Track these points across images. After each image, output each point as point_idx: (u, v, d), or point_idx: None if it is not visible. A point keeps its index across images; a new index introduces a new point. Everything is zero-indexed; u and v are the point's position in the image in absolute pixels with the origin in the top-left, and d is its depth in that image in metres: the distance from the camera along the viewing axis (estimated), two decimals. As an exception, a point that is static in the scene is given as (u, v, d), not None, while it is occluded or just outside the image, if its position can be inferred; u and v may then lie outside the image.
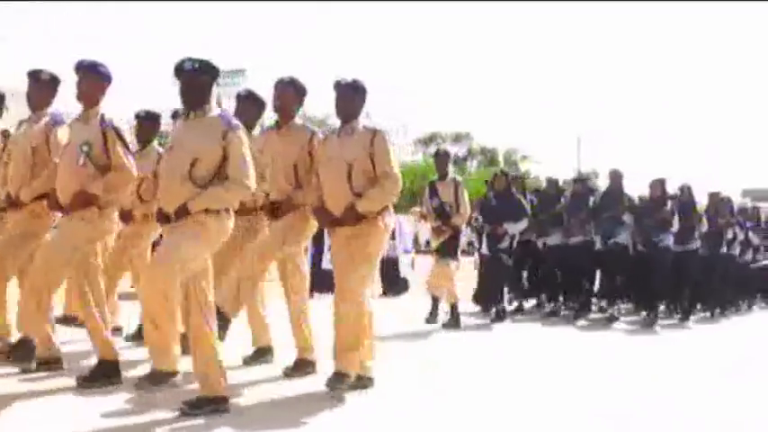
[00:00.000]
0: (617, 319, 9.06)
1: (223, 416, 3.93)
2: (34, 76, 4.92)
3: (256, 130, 5.35)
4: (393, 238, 12.18)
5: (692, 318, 9.62)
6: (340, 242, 4.58)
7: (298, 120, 5.02)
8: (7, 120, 5.45)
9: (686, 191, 9.62)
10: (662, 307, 9.55)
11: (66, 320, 5.79)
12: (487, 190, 9.19)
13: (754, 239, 11.55)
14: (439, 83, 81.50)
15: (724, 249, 10.38)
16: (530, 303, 9.92)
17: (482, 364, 6.02)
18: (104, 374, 4.45)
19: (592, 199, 9.38)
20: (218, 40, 62.83)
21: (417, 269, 12.60)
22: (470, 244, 13.62)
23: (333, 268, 4.71)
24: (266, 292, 5.48)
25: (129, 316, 6.14)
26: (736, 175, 72.73)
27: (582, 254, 9.13)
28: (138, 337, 5.54)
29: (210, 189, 3.91)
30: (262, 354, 5.36)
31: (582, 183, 10.00)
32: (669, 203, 9.04)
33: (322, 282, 9.07)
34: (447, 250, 7.75)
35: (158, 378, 4.25)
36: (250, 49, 71.44)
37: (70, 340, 5.49)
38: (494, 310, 8.53)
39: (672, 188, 9.67)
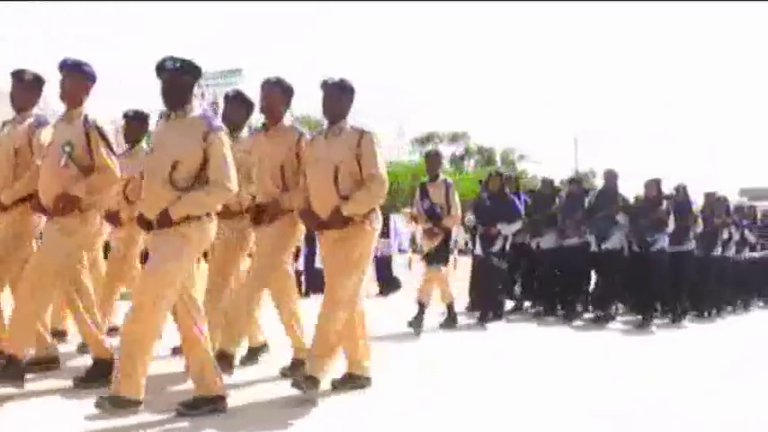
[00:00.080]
0: (613, 318, 9.01)
1: (220, 416, 3.94)
2: (18, 76, 4.85)
3: (245, 132, 5.28)
4: (387, 236, 12.17)
5: (686, 318, 9.56)
6: (328, 245, 4.53)
7: (286, 120, 4.94)
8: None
9: (682, 191, 9.59)
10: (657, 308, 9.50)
11: (56, 334, 5.73)
12: (481, 190, 9.12)
13: (751, 237, 11.52)
14: (436, 83, 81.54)
15: (719, 250, 10.33)
16: (525, 305, 9.86)
17: (479, 364, 5.98)
18: (101, 374, 4.38)
19: (587, 200, 9.32)
20: (214, 39, 62.89)
21: (414, 269, 12.55)
22: (467, 244, 13.61)
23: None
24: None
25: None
26: (733, 175, 72.81)
27: (577, 256, 9.07)
28: None
29: (191, 193, 3.82)
30: (255, 353, 5.37)
31: (577, 183, 9.93)
32: (664, 203, 8.99)
33: (316, 282, 9.05)
34: (437, 256, 7.60)
35: (120, 403, 3.86)
36: (247, 48, 71.40)
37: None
38: (489, 314, 8.44)
39: (669, 188, 9.65)
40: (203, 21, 77.12)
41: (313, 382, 4.34)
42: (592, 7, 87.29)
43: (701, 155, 73.07)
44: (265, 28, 79.43)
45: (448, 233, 7.72)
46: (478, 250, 8.57)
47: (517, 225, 8.54)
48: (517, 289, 9.85)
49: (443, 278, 7.73)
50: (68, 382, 4.50)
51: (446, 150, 47.78)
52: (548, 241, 9.33)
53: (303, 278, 11.16)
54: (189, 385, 4.20)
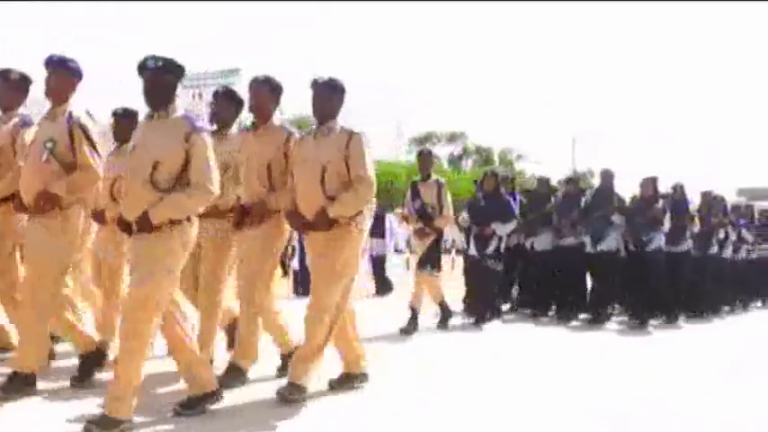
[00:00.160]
0: (608, 319, 8.96)
1: (218, 417, 3.96)
2: (4, 75, 4.79)
3: (234, 129, 5.21)
4: (382, 236, 12.13)
5: (682, 318, 9.51)
6: (314, 247, 4.46)
7: (276, 120, 4.85)
8: None
9: (679, 190, 9.53)
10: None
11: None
12: (476, 190, 9.04)
13: (748, 237, 11.47)
14: (434, 82, 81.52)
15: (715, 249, 10.27)
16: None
17: (475, 365, 5.95)
18: (91, 366, 4.36)
19: (583, 199, 9.26)
20: (213, 39, 62.78)
21: (412, 269, 12.46)
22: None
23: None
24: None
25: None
26: (731, 175, 72.90)
27: (573, 256, 9.00)
28: None
29: (172, 196, 3.73)
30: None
31: (573, 183, 9.84)
32: (660, 202, 8.92)
33: (308, 282, 8.96)
34: (428, 259, 7.51)
35: (108, 424, 3.76)
36: (245, 48, 71.37)
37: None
38: (486, 317, 8.39)
39: (667, 188, 9.59)
40: (202, 20, 77.09)
41: (297, 388, 4.32)
42: (590, 7, 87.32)
43: (700, 155, 73.23)
44: (264, 27, 79.46)
45: (439, 234, 7.63)
46: (472, 251, 8.50)
47: (512, 225, 8.47)
48: (514, 291, 9.80)
49: (433, 282, 7.63)
50: (67, 382, 4.50)
51: (444, 150, 47.82)
52: (543, 241, 9.27)
53: (298, 277, 11.13)
54: (181, 385, 4.19)
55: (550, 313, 9.39)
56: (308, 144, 4.51)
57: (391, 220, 12.46)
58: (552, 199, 9.63)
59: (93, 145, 4.37)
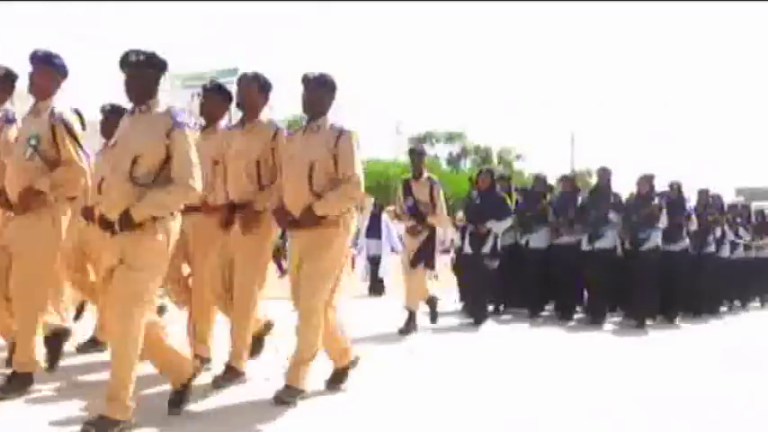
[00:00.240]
0: (605, 317, 8.88)
1: (214, 417, 4.00)
2: None
3: (223, 124, 5.15)
4: (379, 237, 12.07)
5: (679, 317, 9.46)
6: (299, 246, 4.38)
7: (264, 116, 4.78)
8: None
9: (676, 188, 9.47)
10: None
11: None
12: (471, 188, 8.98)
13: (745, 236, 11.42)
14: (433, 82, 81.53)
15: (712, 248, 10.22)
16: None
17: (474, 365, 5.92)
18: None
19: (579, 198, 9.21)
20: (211, 39, 62.78)
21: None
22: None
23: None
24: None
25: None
26: (729, 174, 72.94)
27: (569, 254, 8.94)
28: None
29: (153, 193, 3.66)
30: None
31: (570, 181, 9.76)
32: (656, 199, 8.86)
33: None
34: (420, 257, 7.41)
35: (106, 426, 3.69)
36: (244, 48, 71.32)
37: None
38: (483, 317, 8.34)
39: (665, 186, 9.54)
40: (201, 20, 77.08)
41: (295, 391, 4.31)
42: (589, 7, 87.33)
43: (698, 154, 73.21)
44: (262, 27, 79.41)
45: (432, 231, 7.52)
46: (467, 248, 8.43)
47: (507, 222, 8.41)
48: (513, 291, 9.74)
49: (421, 278, 7.54)
50: (66, 382, 4.48)
51: (443, 150, 47.81)
52: (538, 239, 9.21)
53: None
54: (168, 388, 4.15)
55: (545, 313, 9.34)
56: (296, 141, 4.46)
57: (387, 220, 12.40)
58: (548, 196, 9.57)
59: (77, 140, 4.32)
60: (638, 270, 8.67)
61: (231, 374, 4.67)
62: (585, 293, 9.28)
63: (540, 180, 10.03)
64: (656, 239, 8.74)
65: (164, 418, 3.94)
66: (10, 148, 4.41)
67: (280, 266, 12.87)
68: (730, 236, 10.85)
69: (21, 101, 4.60)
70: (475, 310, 8.39)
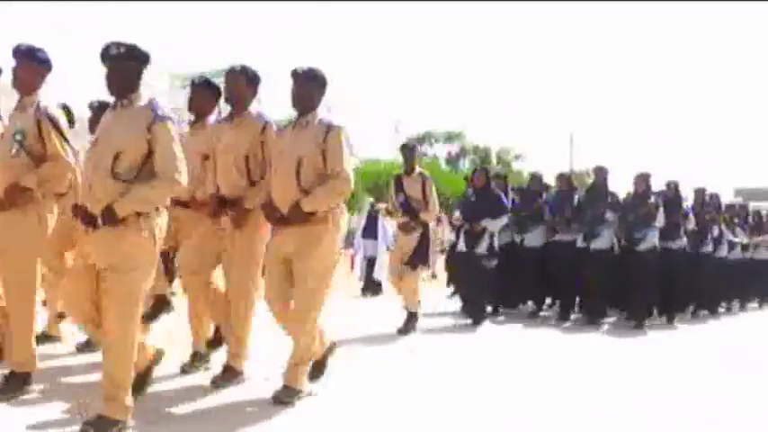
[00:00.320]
0: (603, 317, 8.86)
1: (213, 417, 3.99)
2: None
3: (212, 119, 5.11)
4: (375, 237, 12.05)
5: (678, 318, 9.47)
6: (288, 242, 4.30)
7: (253, 110, 4.71)
8: None
9: (673, 187, 9.42)
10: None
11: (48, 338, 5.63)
12: (467, 187, 8.91)
13: (743, 236, 11.41)
14: (432, 82, 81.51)
15: (710, 247, 10.18)
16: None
17: (473, 365, 5.90)
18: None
19: (576, 196, 9.16)
20: (211, 38, 62.76)
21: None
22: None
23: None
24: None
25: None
26: (728, 174, 72.99)
27: (565, 253, 8.88)
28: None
29: (136, 188, 3.60)
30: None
31: (567, 180, 9.67)
32: (653, 198, 8.80)
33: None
34: (416, 257, 7.31)
35: (106, 424, 3.68)
36: (243, 47, 71.26)
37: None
38: (481, 317, 8.31)
39: (664, 186, 9.52)
40: (201, 19, 77.05)
41: (293, 391, 4.30)
42: (588, 7, 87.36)
43: (698, 154, 73.17)
44: (262, 27, 79.34)
45: (426, 229, 7.43)
46: (461, 246, 8.37)
47: (502, 221, 8.34)
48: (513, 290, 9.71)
49: (414, 280, 7.46)
50: (66, 382, 4.45)
51: (442, 150, 47.74)
52: (533, 238, 9.17)
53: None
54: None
55: (543, 313, 9.30)
56: (286, 136, 4.40)
57: (383, 221, 12.39)
58: (543, 195, 9.53)
59: (63, 135, 4.25)
60: (636, 270, 8.61)
61: (229, 374, 4.66)
62: (583, 294, 9.25)
63: (535, 179, 9.98)
64: (652, 239, 8.69)
65: (162, 418, 3.93)
66: None
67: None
68: (728, 236, 10.83)
69: (6, 96, 4.52)
70: (473, 311, 8.34)
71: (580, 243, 8.83)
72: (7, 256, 4.19)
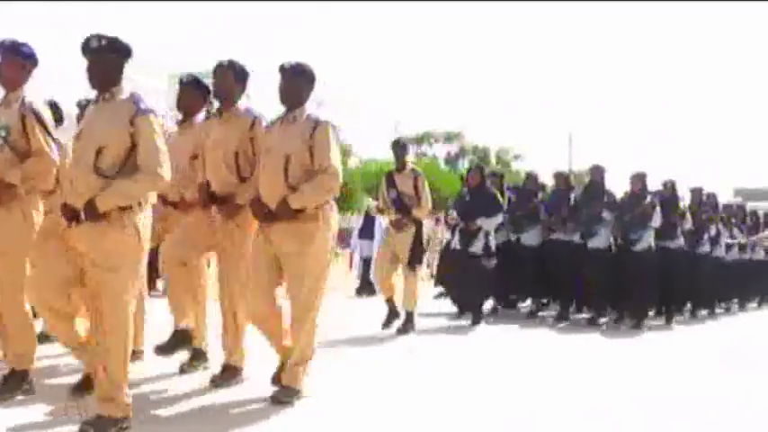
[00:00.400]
0: (596, 321, 8.79)
1: (213, 417, 3.97)
2: None
3: (200, 117, 5.06)
4: (371, 238, 12.05)
5: (677, 318, 9.46)
6: (280, 242, 4.23)
7: (242, 105, 4.64)
8: None
9: (670, 186, 9.35)
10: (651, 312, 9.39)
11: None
12: (462, 185, 8.86)
13: (740, 237, 11.39)
14: (431, 82, 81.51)
15: (707, 247, 10.13)
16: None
17: (471, 366, 5.87)
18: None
19: (572, 196, 9.13)
20: (211, 38, 62.72)
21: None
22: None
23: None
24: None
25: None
26: (728, 174, 73.03)
27: (562, 251, 8.85)
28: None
29: (118, 182, 3.53)
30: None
31: (563, 178, 9.63)
32: (649, 197, 8.74)
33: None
34: (411, 256, 7.24)
35: (105, 424, 3.65)
36: (243, 47, 71.28)
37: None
38: (480, 316, 8.28)
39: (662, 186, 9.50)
40: (200, 19, 77.00)
41: (292, 391, 4.27)
42: (587, 7, 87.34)
43: (697, 154, 73.20)
44: (262, 27, 79.30)
45: (419, 226, 7.35)
46: (455, 244, 8.30)
47: (497, 219, 8.28)
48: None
49: (414, 281, 7.38)
50: (65, 382, 4.42)
51: (441, 150, 47.75)
52: (530, 237, 9.13)
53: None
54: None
55: (540, 313, 9.26)
56: (274, 132, 4.35)
57: (381, 222, 12.40)
58: (539, 194, 9.47)
59: (47, 131, 4.19)
60: (633, 269, 8.56)
61: (229, 374, 4.63)
62: (584, 292, 9.23)
63: (531, 178, 9.90)
64: (648, 240, 8.63)
65: (162, 418, 3.92)
66: None
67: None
68: (726, 235, 10.79)
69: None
70: (471, 311, 8.31)
71: (577, 240, 8.79)
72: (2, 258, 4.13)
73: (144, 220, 3.66)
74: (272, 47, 70.07)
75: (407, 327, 7.38)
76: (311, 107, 4.41)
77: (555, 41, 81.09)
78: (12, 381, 4.19)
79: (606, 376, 5.66)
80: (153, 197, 5.23)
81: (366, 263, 11.94)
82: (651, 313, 9.32)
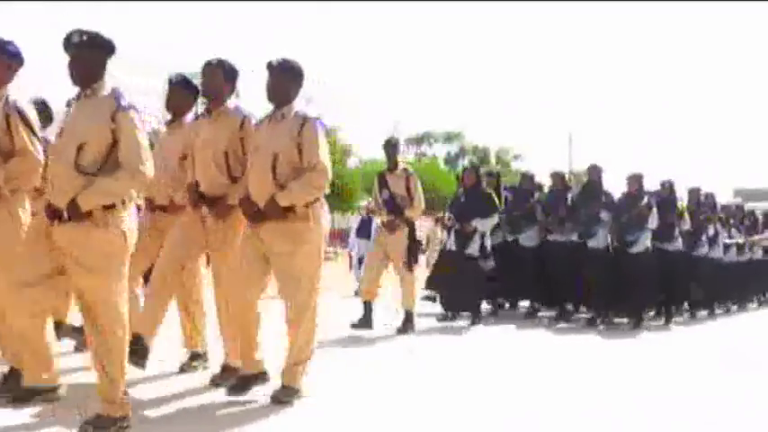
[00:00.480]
0: (595, 321, 8.76)
1: (212, 416, 3.97)
2: None
3: (189, 118, 5.01)
4: (369, 237, 12.03)
5: (674, 320, 9.45)
6: (270, 243, 4.19)
7: (231, 104, 4.59)
8: None
9: (668, 187, 9.30)
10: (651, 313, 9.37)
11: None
12: (457, 186, 8.80)
13: (737, 236, 11.37)
14: (431, 82, 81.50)
15: (705, 248, 10.08)
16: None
17: (471, 366, 5.86)
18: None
19: (569, 195, 9.09)
20: (210, 38, 62.71)
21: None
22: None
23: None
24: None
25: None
26: (727, 174, 73.05)
27: (561, 252, 8.81)
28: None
29: (100, 181, 3.48)
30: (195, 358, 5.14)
31: (560, 178, 9.55)
32: (645, 198, 8.67)
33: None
34: (409, 258, 7.21)
35: (105, 423, 3.63)
36: (243, 47, 71.25)
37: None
38: (478, 316, 8.26)
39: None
40: (200, 19, 76.98)
41: (291, 391, 4.27)
42: (587, 7, 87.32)
43: (697, 155, 73.25)
44: (262, 27, 79.28)
45: (411, 226, 7.29)
46: (450, 245, 8.26)
47: (493, 220, 8.22)
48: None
49: (411, 281, 7.35)
50: (65, 382, 4.36)
51: (441, 150, 47.81)
52: (527, 239, 9.08)
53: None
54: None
55: (540, 314, 9.22)
56: (262, 130, 4.30)
57: (377, 221, 12.40)
58: (536, 194, 9.43)
59: (32, 130, 4.14)
60: (631, 270, 8.50)
61: (229, 373, 4.61)
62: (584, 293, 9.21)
63: (527, 178, 9.85)
64: (644, 242, 8.59)
65: (162, 418, 3.92)
66: None
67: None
68: (724, 236, 10.74)
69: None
70: (471, 312, 8.28)
71: (576, 240, 8.75)
72: None
73: (129, 218, 3.60)
74: (273, 47, 70.08)
75: (407, 327, 7.35)
76: (300, 104, 4.36)
77: (555, 41, 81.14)
78: (11, 380, 4.18)
79: (606, 376, 5.65)
80: (140, 200, 5.24)
81: (363, 262, 11.94)
82: (651, 314, 9.32)
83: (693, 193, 10.26)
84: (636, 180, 8.76)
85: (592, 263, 8.59)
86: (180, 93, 4.95)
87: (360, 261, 12.04)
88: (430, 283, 8.68)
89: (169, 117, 5.07)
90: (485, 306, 8.96)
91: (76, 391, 4.26)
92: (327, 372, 4.68)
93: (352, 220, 17.45)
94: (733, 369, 6.18)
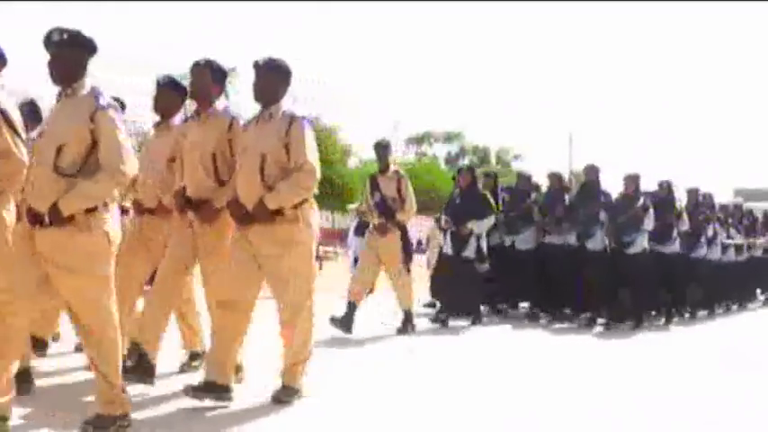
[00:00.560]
0: (595, 321, 8.73)
1: (212, 416, 3.96)
2: None
3: (178, 119, 4.95)
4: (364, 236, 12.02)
5: (673, 320, 9.44)
6: (260, 245, 4.14)
7: (220, 106, 4.52)
8: None
9: (666, 187, 9.25)
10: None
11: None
12: (453, 187, 8.74)
13: (736, 236, 11.36)
14: (431, 82, 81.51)
15: (704, 249, 10.04)
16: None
17: (472, 366, 5.85)
18: None
19: (567, 196, 9.04)
20: (210, 38, 62.68)
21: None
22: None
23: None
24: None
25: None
26: (727, 174, 73.07)
27: (558, 255, 8.77)
28: None
29: (80, 184, 3.41)
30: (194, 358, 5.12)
31: (558, 178, 9.49)
32: (642, 199, 8.61)
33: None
34: (405, 261, 7.16)
35: (105, 422, 3.62)
36: (243, 48, 71.22)
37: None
38: (477, 317, 8.24)
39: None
40: (200, 19, 76.96)
41: (291, 391, 4.26)
42: (587, 7, 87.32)
43: (697, 155, 73.22)
44: (262, 27, 79.27)
45: (403, 229, 7.22)
46: (448, 249, 8.20)
47: (489, 221, 8.15)
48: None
49: (409, 282, 7.31)
50: (65, 382, 4.40)
51: (441, 150, 47.83)
52: (524, 241, 9.02)
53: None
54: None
55: (540, 314, 9.15)
56: (250, 131, 4.25)
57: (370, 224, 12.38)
58: (533, 195, 9.37)
59: (15, 130, 3.93)
60: (629, 271, 8.45)
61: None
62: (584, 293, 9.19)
63: (524, 178, 9.79)
64: (641, 243, 8.53)
65: (162, 418, 3.91)
66: None
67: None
68: (723, 236, 10.71)
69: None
70: (470, 313, 8.27)
71: (574, 242, 8.71)
72: None
73: (111, 219, 3.54)
74: (273, 47, 70.05)
75: (407, 326, 7.33)
76: (287, 103, 4.31)
77: (555, 41, 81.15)
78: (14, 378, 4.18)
79: (606, 376, 5.66)
80: (128, 202, 5.20)
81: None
82: (651, 314, 9.31)
83: (692, 193, 10.22)
84: (632, 181, 8.71)
85: (591, 265, 8.55)
86: (168, 94, 4.88)
87: (356, 260, 12.03)
88: (432, 290, 8.67)
89: (157, 119, 5.02)
90: (483, 309, 8.90)
91: (76, 391, 4.27)
92: (327, 372, 4.69)
93: (351, 220, 17.48)
94: (733, 369, 6.18)
